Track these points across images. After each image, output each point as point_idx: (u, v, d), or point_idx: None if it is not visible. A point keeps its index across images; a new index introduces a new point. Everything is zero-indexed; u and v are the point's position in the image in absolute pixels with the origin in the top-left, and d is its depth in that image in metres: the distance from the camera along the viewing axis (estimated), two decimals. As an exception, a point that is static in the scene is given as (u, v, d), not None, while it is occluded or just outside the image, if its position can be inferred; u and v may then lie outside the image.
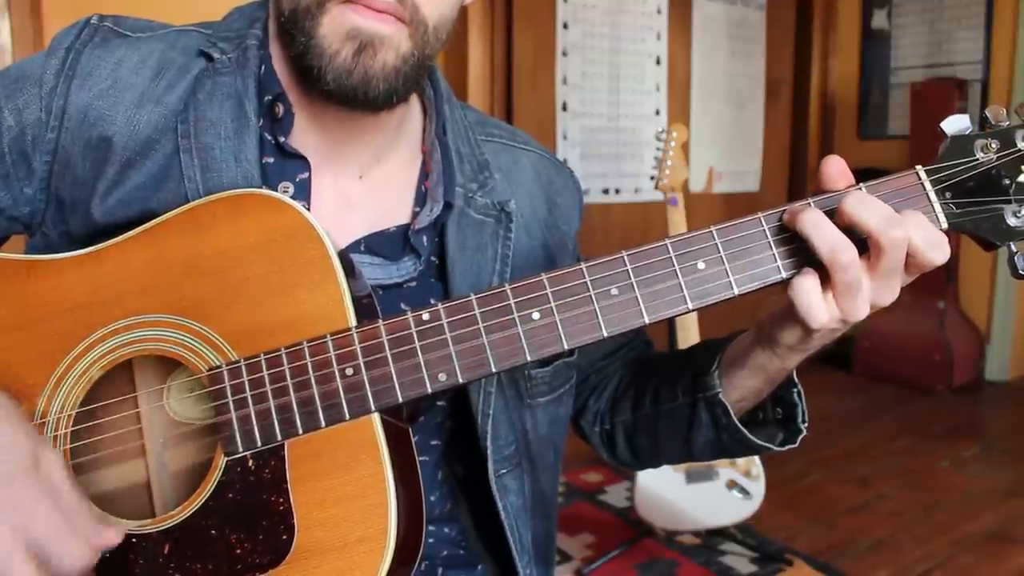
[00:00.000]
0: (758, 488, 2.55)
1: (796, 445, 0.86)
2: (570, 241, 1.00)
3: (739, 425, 0.85)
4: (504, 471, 0.89)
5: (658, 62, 4.06)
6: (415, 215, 0.88)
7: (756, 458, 2.51)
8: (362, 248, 0.84)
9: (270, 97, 0.82)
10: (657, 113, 4.08)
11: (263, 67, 0.84)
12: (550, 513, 0.99)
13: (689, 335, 2.48)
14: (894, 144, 4.60)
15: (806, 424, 0.85)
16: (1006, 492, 3.05)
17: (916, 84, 4.30)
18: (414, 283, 0.86)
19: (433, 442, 0.91)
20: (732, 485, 2.53)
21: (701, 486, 2.52)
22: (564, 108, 3.75)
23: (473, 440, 0.88)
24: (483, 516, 0.93)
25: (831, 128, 4.87)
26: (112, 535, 0.66)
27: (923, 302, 4.18)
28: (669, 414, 0.91)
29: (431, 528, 0.93)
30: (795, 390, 0.85)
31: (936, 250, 0.66)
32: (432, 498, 0.93)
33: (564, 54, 3.72)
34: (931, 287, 4.15)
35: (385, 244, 0.85)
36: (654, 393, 0.94)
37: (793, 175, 4.80)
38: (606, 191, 3.93)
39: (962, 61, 4.36)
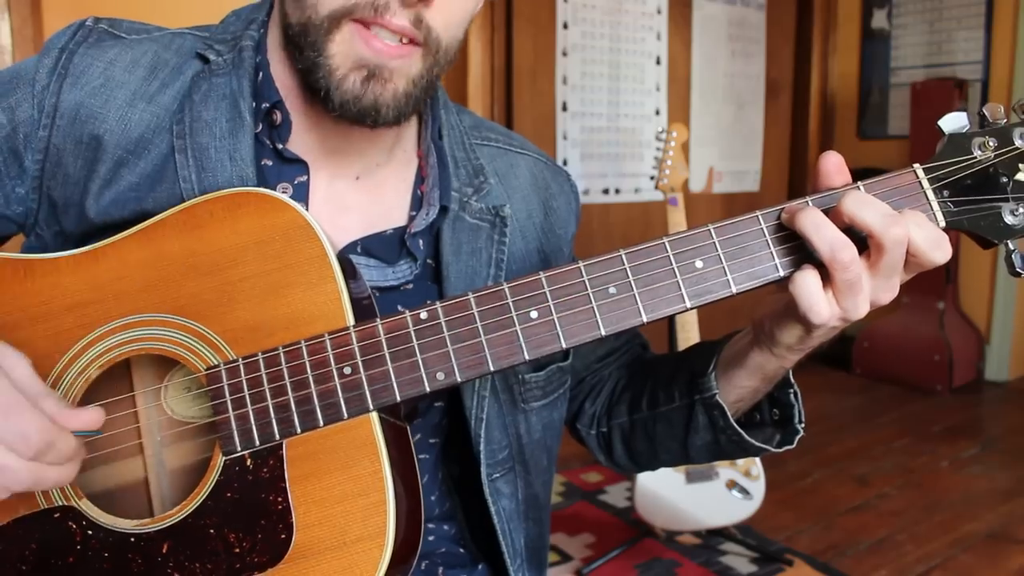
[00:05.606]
0: (758, 488, 2.55)
1: (793, 446, 0.86)
2: (566, 245, 1.00)
3: (736, 427, 0.85)
4: (497, 475, 0.89)
5: (658, 62, 4.06)
6: (411, 219, 0.88)
7: (756, 458, 2.51)
8: (359, 250, 0.84)
9: (268, 104, 0.82)
10: (657, 113, 4.08)
11: (261, 73, 0.84)
12: (543, 517, 0.99)
13: (689, 335, 2.48)
14: (894, 144, 4.60)
15: (803, 425, 0.85)
16: (1006, 492, 3.05)
17: (916, 84, 4.30)
18: (410, 286, 0.86)
19: (432, 441, 0.91)
20: (732, 485, 2.53)
21: (701, 486, 2.52)
22: (564, 108, 3.75)
23: (467, 443, 0.88)
24: (477, 518, 0.93)
25: (831, 128, 4.87)
26: (87, 415, 0.67)
27: (923, 302, 4.18)
28: (666, 416, 0.91)
29: (431, 526, 0.93)
30: (791, 391, 0.85)
31: (937, 249, 0.66)
32: (432, 497, 0.93)
33: (564, 54, 3.72)
34: (931, 287, 4.15)
35: (381, 247, 0.85)
36: (651, 395, 0.94)
37: (793, 175, 4.81)
38: (606, 191, 3.93)
39: (962, 61, 4.36)
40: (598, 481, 3.17)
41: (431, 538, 0.93)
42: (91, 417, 0.68)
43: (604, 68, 3.87)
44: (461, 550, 0.95)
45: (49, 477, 0.66)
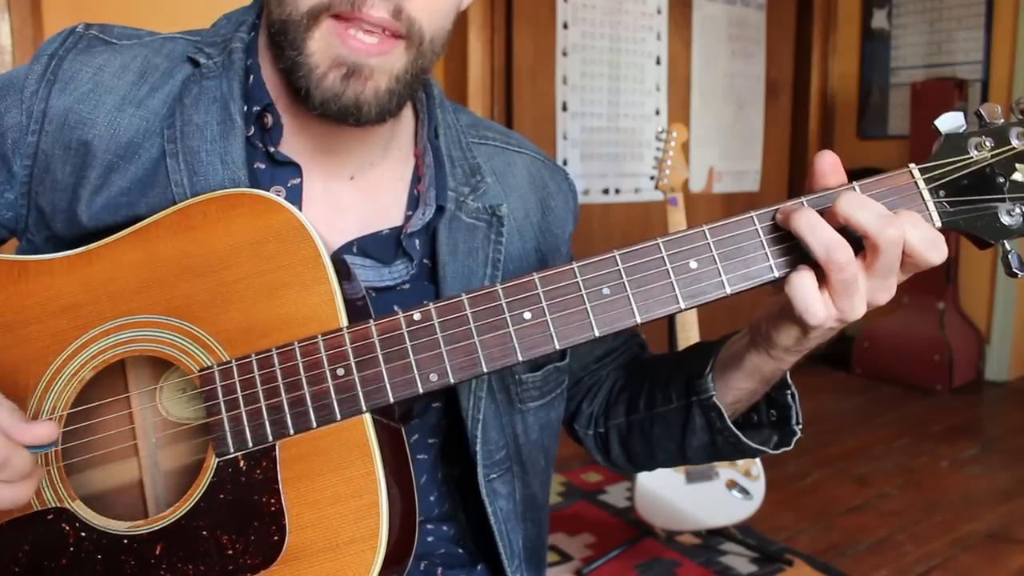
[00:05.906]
0: (758, 488, 2.54)
1: (791, 447, 0.85)
2: (563, 244, 1.00)
3: (733, 428, 0.84)
4: (494, 475, 0.89)
5: (658, 62, 4.05)
6: (408, 218, 0.87)
7: (755, 458, 2.51)
8: (354, 250, 0.84)
9: (258, 107, 0.82)
10: (657, 113, 4.08)
11: (252, 76, 0.83)
12: (541, 517, 0.98)
13: (689, 334, 2.48)
14: (894, 144, 4.60)
15: (800, 426, 0.85)
16: (1006, 492, 3.05)
17: (916, 84, 4.29)
18: (407, 286, 0.86)
19: (430, 441, 0.91)
20: (732, 485, 2.53)
21: (701, 486, 2.52)
22: (564, 108, 3.75)
23: (464, 444, 0.88)
24: (476, 518, 0.93)
25: (831, 128, 4.87)
26: (41, 429, 0.66)
27: (923, 302, 4.17)
28: (663, 417, 0.91)
29: (430, 527, 0.93)
30: (789, 392, 0.85)
31: (933, 250, 0.65)
32: (431, 497, 0.92)
33: (564, 54, 3.72)
34: (931, 287, 4.14)
35: (377, 246, 0.85)
36: (648, 396, 0.93)
37: (793, 175, 4.80)
38: (606, 191, 3.93)
39: (962, 61, 4.36)
40: (598, 481, 3.17)
41: (430, 538, 0.93)
42: (44, 431, 0.67)
43: (604, 68, 3.86)
44: (460, 550, 0.95)
45: (4, 497, 0.65)
